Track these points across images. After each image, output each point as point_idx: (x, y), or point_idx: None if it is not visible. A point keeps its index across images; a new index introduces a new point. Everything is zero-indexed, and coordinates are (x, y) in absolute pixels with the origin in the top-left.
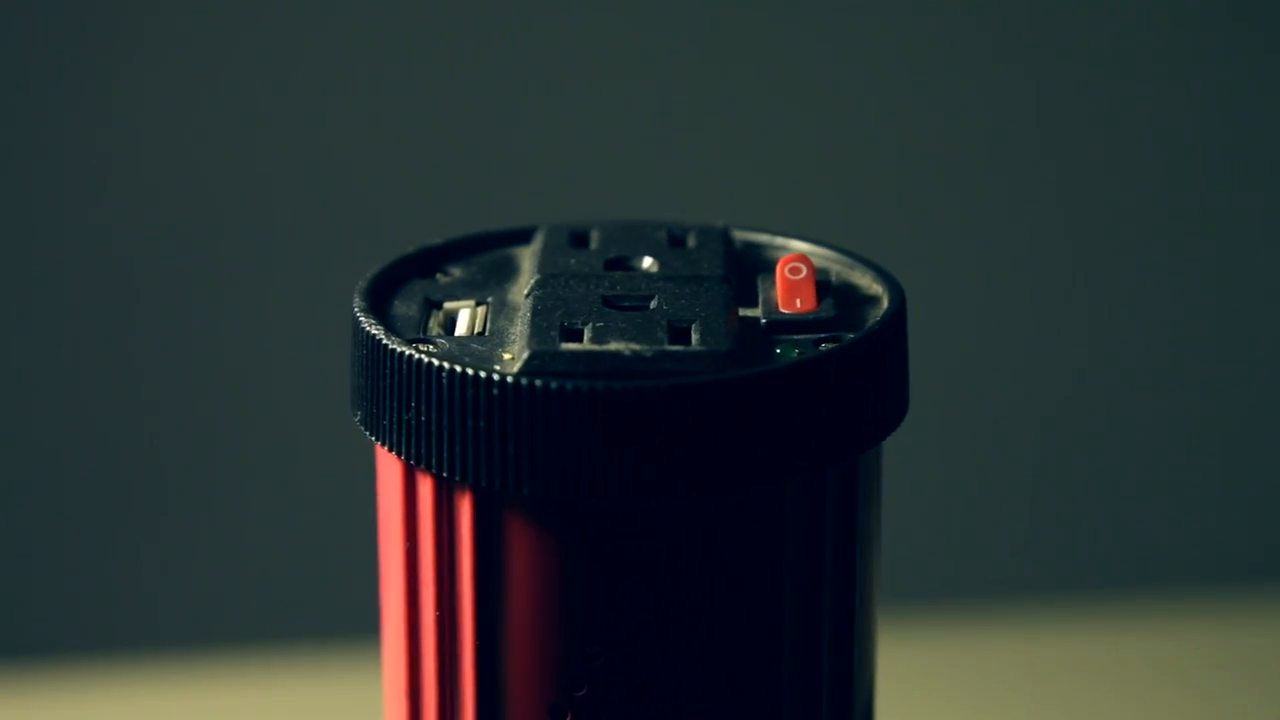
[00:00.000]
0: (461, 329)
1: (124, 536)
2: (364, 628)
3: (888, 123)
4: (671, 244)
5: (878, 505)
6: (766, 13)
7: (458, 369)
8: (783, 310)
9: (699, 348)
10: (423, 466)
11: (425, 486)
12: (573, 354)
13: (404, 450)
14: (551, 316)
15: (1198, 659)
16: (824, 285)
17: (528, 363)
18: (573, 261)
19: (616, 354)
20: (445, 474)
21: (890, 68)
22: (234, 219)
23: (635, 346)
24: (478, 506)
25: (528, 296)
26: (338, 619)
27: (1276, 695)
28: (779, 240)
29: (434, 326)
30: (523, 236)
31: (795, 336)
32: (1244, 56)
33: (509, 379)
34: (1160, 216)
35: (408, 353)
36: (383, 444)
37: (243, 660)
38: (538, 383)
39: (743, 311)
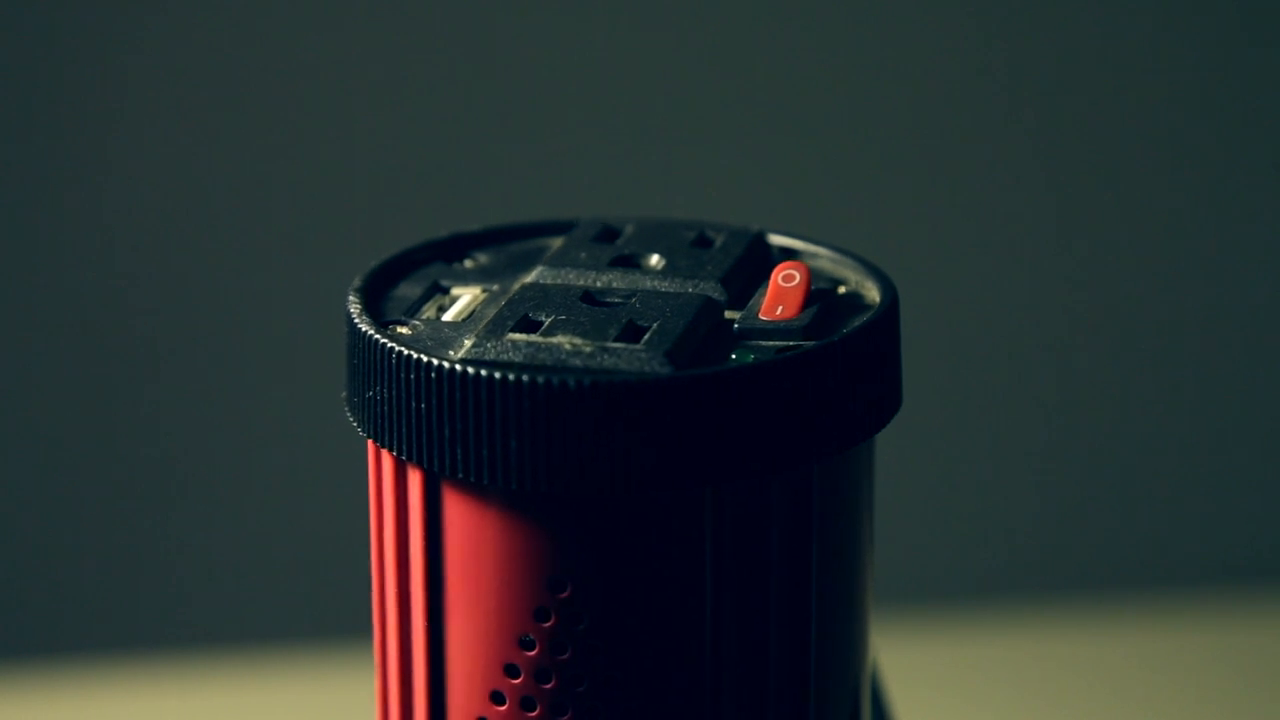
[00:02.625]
0: (450, 314)
1: (124, 537)
2: (364, 627)
3: (895, 125)
4: (694, 244)
5: (851, 514)
6: (776, 16)
7: (404, 351)
8: (761, 317)
9: (640, 347)
10: (381, 445)
11: (387, 465)
12: (515, 344)
13: (366, 428)
14: (520, 306)
15: (1198, 659)
16: (820, 294)
17: (469, 350)
18: (584, 255)
19: (557, 347)
20: (397, 453)
21: (897, 69)
22: (247, 217)
23: (577, 341)
24: (426, 486)
25: (518, 286)
26: (337, 619)
27: (1277, 695)
28: (813, 247)
29: (429, 309)
30: (564, 229)
31: (763, 343)
32: (1241, 55)
33: (443, 364)
34: (1160, 215)
35: (369, 332)
36: (353, 421)
37: (243, 660)
38: (470, 370)
39: (729, 315)
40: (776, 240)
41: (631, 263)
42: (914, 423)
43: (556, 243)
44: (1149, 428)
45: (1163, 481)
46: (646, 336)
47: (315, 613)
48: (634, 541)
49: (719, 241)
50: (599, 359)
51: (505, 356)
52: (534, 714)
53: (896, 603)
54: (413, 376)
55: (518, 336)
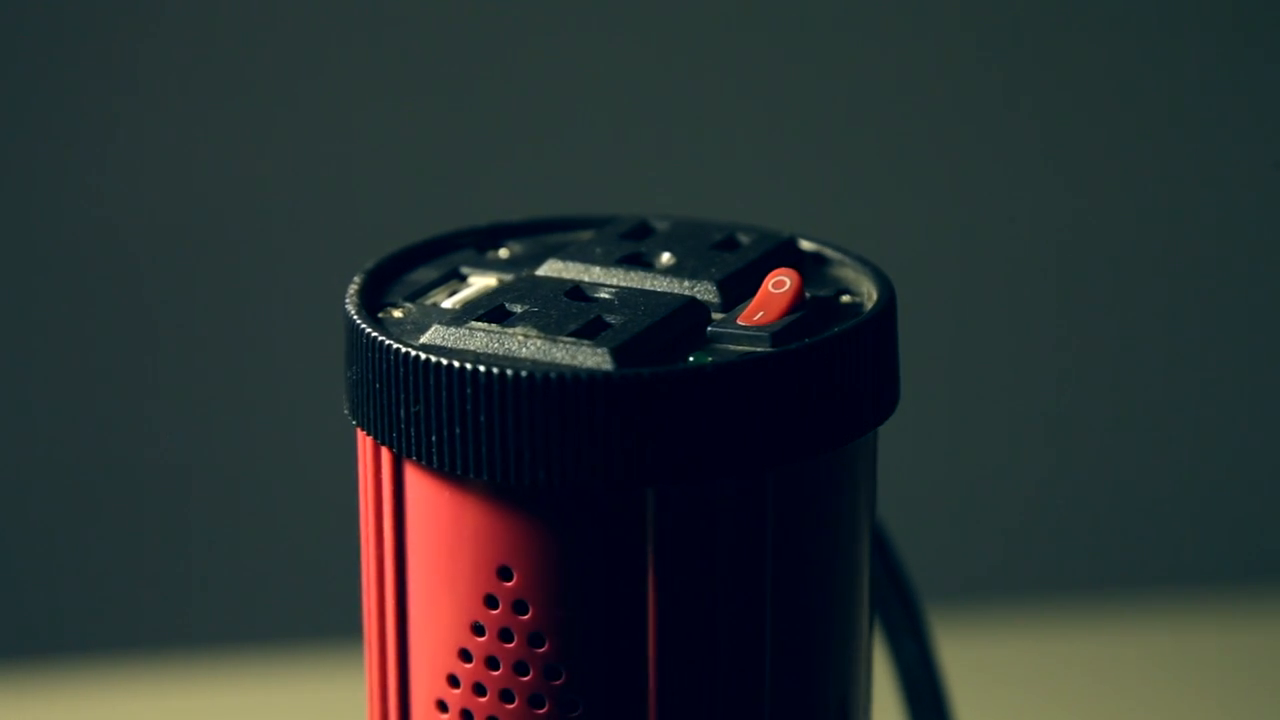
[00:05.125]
0: (452, 300)
1: (124, 536)
2: (362, 626)
3: (902, 126)
4: (715, 246)
5: (827, 521)
6: (778, 16)
7: (369, 332)
8: (740, 322)
9: (589, 343)
10: (355, 424)
11: (368, 445)
12: (473, 333)
13: (347, 407)
14: (501, 297)
15: (1198, 659)
16: (817, 302)
17: (429, 335)
18: (599, 250)
19: (510, 338)
20: (367, 432)
21: (900, 72)
22: (260, 216)
23: (533, 333)
24: (394, 467)
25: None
26: (337, 619)
27: (1277, 695)
28: (837, 254)
29: (438, 294)
30: (603, 224)
31: (731, 347)
32: (1241, 55)
33: (396, 347)
34: (1161, 214)
35: (350, 312)
36: (344, 399)
37: (243, 660)
38: (419, 355)
39: (716, 317)
40: (806, 246)
41: (640, 261)
42: (914, 423)
43: (586, 237)
44: (1149, 427)
45: (1163, 481)
46: (603, 333)
47: (315, 613)
48: (575, 537)
49: (743, 245)
50: (548, 353)
51: (460, 344)
52: (484, 700)
53: None
54: (376, 357)
55: (479, 325)
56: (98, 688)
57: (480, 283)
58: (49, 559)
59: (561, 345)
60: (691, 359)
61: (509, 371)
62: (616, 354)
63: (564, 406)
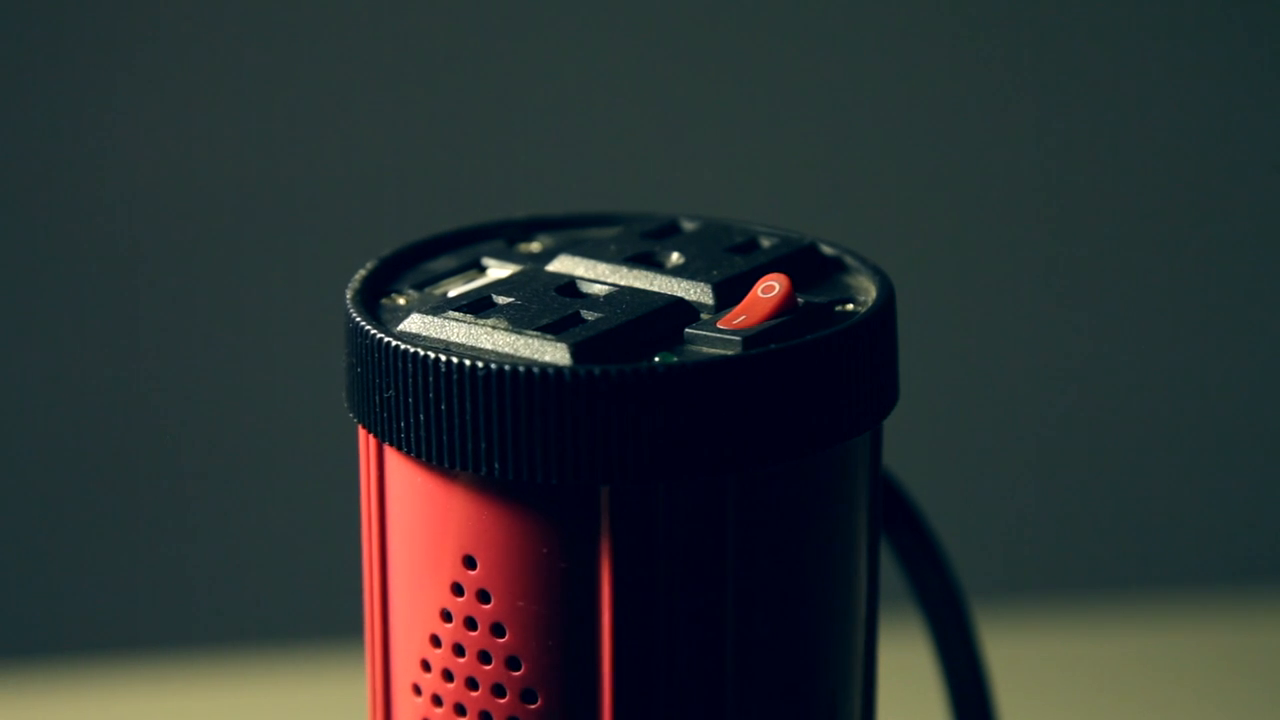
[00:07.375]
0: (461, 289)
1: (124, 536)
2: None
3: (913, 128)
4: (731, 249)
5: (806, 526)
6: (784, 20)
7: (354, 317)
8: (719, 325)
9: (551, 338)
10: (348, 408)
11: (360, 429)
12: (446, 321)
13: (344, 393)
14: (490, 289)
15: (1198, 659)
16: (811, 308)
17: (407, 322)
18: (613, 248)
19: (483, 328)
20: (354, 417)
21: (902, 72)
22: (269, 215)
23: (503, 326)
24: (378, 451)
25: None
26: (337, 619)
27: (1276, 695)
28: (855, 262)
29: (451, 283)
30: (635, 221)
31: (704, 350)
32: (1242, 55)
33: (372, 333)
34: (1161, 213)
35: (346, 297)
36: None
37: (243, 660)
38: (388, 341)
39: (705, 318)
40: (827, 251)
41: (649, 260)
42: (912, 424)
43: (611, 233)
44: (1150, 428)
45: (1163, 481)
46: (571, 329)
47: (315, 613)
48: (533, 530)
49: (760, 248)
50: (513, 345)
51: (433, 333)
52: (451, 686)
53: (896, 604)
54: (358, 342)
55: (454, 315)
56: (98, 688)
57: (496, 274)
58: (49, 559)
59: (527, 339)
60: (657, 359)
61: (467, 362)
62: (576, 350)
63: (516, 399)
